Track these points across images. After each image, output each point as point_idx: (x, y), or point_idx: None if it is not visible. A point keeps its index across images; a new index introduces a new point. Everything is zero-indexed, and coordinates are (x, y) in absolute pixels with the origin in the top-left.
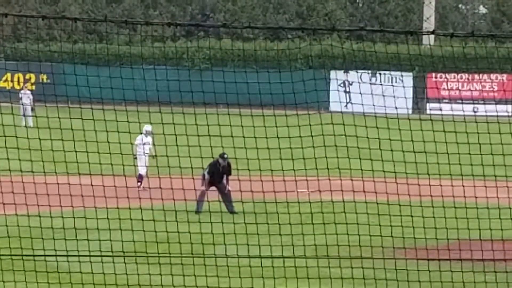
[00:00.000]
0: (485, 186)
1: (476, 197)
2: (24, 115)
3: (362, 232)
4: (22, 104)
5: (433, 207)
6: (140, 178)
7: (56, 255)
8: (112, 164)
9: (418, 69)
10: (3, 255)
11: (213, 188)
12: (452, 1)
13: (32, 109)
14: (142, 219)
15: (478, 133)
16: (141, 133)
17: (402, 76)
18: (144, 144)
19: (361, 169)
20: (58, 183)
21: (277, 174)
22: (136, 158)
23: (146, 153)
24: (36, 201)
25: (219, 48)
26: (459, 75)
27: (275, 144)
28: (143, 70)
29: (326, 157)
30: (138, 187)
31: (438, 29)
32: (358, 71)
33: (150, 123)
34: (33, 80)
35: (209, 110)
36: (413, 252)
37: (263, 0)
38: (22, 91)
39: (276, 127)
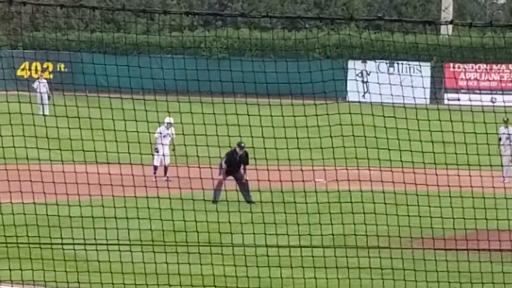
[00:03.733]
0: (503, 176)
1: (494, 187)
2: (41, 104)
3: (380, 222)
4: (40, 93)
5: (450, 197)
6: (155, 169)
7: (73, 244)
8: (129, 153)
9: (436, 59)
10: (21, 243)
11: (231, 177)
12: None
13: (49, 97)
14: (160, 208)
15: (496, 123)
16: (159, 124)
17: (420, 66)
18: (164, 136)
19: (379, 159)
20: (75, 172)
21: (294, 163)
22: (157, 149)
23: (167, 144)
24: (54, 190)
25: (237, 38)
26: (477, 65)
27: (292, 133)
28: (161, 59)
29: (343, 146)
30: (163, 177)
31: (456, 19)
32: (376, 61)
33: (168, 112)
34: (50, 68)
35: (227, 99)
36: (430, 242)
37: None
38: (38, 80)
39: (294, 116)
